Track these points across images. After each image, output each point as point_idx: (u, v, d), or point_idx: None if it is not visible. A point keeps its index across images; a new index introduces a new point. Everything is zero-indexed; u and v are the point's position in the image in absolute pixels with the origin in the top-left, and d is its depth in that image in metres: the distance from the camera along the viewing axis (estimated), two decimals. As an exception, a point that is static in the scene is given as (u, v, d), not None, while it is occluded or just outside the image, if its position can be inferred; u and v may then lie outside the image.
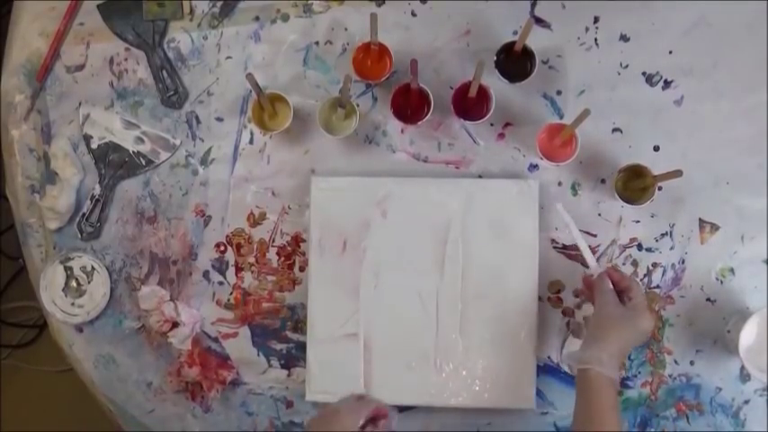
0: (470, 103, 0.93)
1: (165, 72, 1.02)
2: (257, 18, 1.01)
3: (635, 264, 0.97)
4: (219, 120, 1.01)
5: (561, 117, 0.98)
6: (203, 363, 0.99)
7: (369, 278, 0.96)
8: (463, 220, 0.96)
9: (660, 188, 0.93)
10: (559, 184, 0.98)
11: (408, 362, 0.96)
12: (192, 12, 1.02)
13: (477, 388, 0.95)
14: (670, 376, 0.96)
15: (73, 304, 1.01)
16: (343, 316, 0.97)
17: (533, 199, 0.96)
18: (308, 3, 1.01)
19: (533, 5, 0.98)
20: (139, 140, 1.02)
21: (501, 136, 0.99)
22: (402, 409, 0.98)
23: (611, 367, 0.81)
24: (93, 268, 1.01)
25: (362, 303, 0.96)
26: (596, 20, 0.98)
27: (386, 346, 0.96)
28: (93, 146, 1.02)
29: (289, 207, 1.00)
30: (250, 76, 0.90)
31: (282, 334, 1.00)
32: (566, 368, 0.96)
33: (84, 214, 1.02)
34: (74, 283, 1.01)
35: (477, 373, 0.95)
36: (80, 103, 1.03)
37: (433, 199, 0.96)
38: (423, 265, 0.96)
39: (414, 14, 1.00)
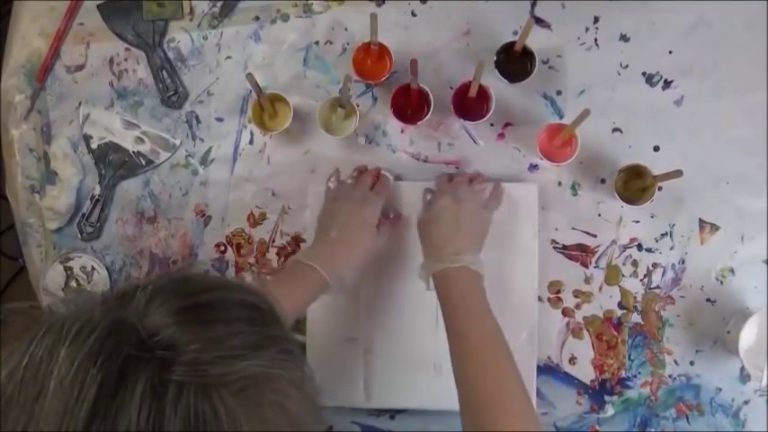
0: (470, 103, 0.93)
1: (165, 72, 1.02)
2: (257, 18, 1.01)
3: (635, 264, 0.96)
4: (219, 120, 1.01)
5: (561, 117, 0.98)
6: (203, 363, 0.99)
7: (368, 282, 0.96)
8: None
9: (660, 188, 0.93)
10: (559, 184, 0.98)
11: (408, 365, 0.95)
12: (191, 12, 1.02)
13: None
14: (670, 376, 0.96)
15: (73, 304, 1.01)
16: (342, 320, 0.96)
17: (533, 203, 0.95)
18: (308, 3, 1.01)
19: (533, 5, 0.98)
20: (139, 140, 1.02)
21: (501, 136, 0.99)
22: (401, 409, 0.98)
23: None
24: (93, 268, 1.01)
25: (362, 307, 0.96)
26: (596, 20, 0.98)
27: (385, 349, 0.96)
28: (93, 146, 1.02)
29: (289, 207, 1.00)
30: (250, 76, 0.90)
31: (282, 334, 1.00)
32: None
33: (84, 214, 1.02)
34: (74, 283, 1.01)
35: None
36: (80, 103, 1.03)
37: None
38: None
39: (414, 14, 1.00)
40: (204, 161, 1.01)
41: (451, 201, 0.87)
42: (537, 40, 0.94)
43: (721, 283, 0.96)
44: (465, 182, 0.92)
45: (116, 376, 0.41)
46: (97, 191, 1.02)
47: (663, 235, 0.96)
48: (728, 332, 0.93)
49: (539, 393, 0.95)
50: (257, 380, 0.45)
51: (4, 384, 0.42)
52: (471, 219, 0.88)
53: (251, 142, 1.01)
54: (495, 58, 0.94)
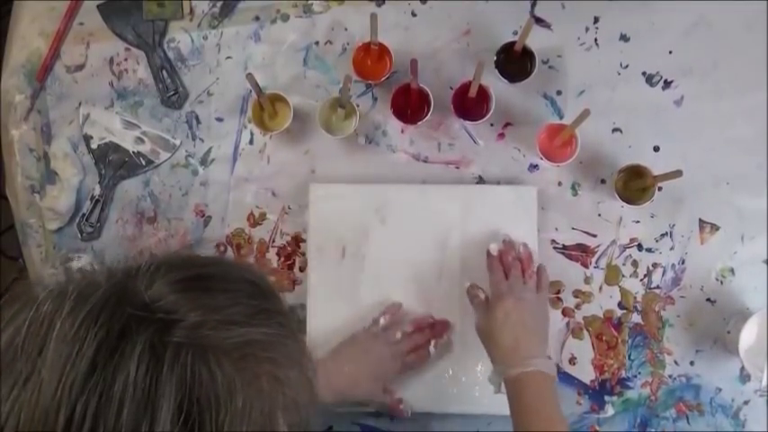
0: (470, 103, 0.93)
1: (165, 72, 1.02)
2: (257, 18, 1.01)
3: (635, 264, 0.96)
4: (219, 120, 1.01)
5: (561, 117, 0.98)
6: (203, 363, 0.99)
7: (368, 285, 0.96)
8: (462, 227, 0.95)
9: (660, 188, 0.93)
10: (559, 184, 0.98)
11: None
12: (191, 12, 1.02)
13: (478, 394, 0.95)
14: (670, 377, 0.96)
15: (73, 304, 1.01)
16: (342, 323, 0.96)
17: (532, 205, 0.95)
18: (308, 3, 1.01)
19: (533, 5, 0.98)
20: (139, 140, 1.02)
21: (501, 136, 0.99)
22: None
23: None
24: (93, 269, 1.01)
25: (362, 311, 0.96)
26: (596, 20, 0.98)
27: None
28: (93, 146, 1.02)
29: (289, 207, 1.00)
30: (250, 76, 0.90)
31: (282, 334, 1.00)
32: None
33: (84, 214, 1.02)
34: (74, 284, 1.01)
35: (476, 379, 0.95)
36: (80, 103, 1.03)
37: (433, 206, 0.96)
38: (422, 271, 0.96)
39: (414, 14, 1.00)
40: (204, 161, 1.01)
41: (513, 302, 0.86)
42: (537, 40, 0.94)
43: (721, 283, 0.96)
44: (519, 276, 0.90)
45: (116, 334, 0.42)
46: (97, 191, 1.02)
47: (663, 235, 0.96)
48: (728, 332, 0.93)
49: (539, 393, 0.95)
50: (255, 347, 0.46)
51: (9, 342, 0.43)
52: (536, 318, 0.87)
53: (251, 142, 1.01)
54: (495, 58, 0.94)
